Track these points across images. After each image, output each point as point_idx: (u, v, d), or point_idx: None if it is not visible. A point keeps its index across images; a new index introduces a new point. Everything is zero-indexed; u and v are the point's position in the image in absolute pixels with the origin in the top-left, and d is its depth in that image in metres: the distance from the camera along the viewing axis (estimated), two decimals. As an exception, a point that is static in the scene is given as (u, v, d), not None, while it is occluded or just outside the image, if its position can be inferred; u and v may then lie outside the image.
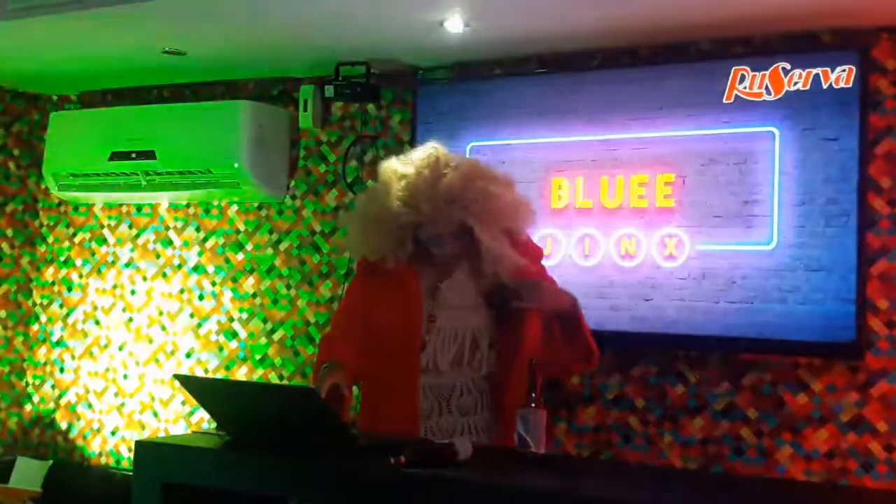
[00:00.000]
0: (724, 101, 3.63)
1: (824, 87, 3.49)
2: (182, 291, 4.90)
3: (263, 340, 4.67)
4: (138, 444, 2.52)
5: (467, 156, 3.89)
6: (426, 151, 2.79)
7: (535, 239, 2.96)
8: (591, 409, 3.93)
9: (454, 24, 3.72)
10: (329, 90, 4.30)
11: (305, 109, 4.52)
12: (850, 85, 3.44)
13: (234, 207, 4.78)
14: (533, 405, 2.41)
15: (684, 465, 3.73)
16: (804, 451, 3.57)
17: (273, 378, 4.62)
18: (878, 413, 3.46)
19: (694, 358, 3.76)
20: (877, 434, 3.46)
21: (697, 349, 3.71)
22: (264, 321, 4.68)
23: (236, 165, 4.42)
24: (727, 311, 3.60)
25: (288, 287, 4.63)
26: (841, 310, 3.43)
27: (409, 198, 2.71)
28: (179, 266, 4.92)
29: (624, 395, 3.88)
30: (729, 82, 3.63)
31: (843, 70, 3.45)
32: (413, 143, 4.15)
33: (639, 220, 3.75)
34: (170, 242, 4.95)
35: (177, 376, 2.73)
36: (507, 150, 3.96)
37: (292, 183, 4.64)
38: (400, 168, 2.78)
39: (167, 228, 4.96)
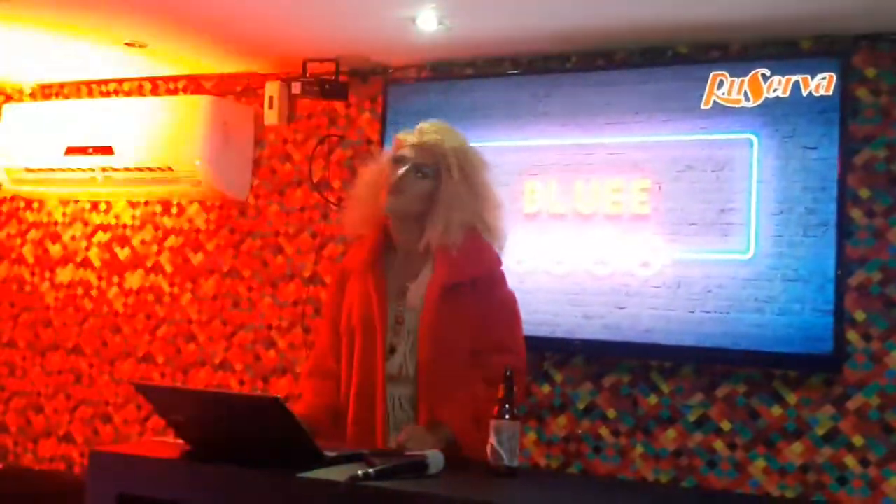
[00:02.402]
0: (703, 106, 3.56)
1: (804, 94, 3.43)
2: (138, 293, 4.74)
3: (223, 344, 4.53)
4: (93, 453, 2.43)
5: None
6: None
7: (507, 243, 2.82)
8: (562, 418, 3.84)
9: (427, 22, 3.62)
10: (296, 87, 4.19)
11: (271, 106, 4.39)
12: (831, 93, 3.38)
13: (195, 206, 4.64)
14: (507, 417, 2.35)
15: (656, 478, 3.66)
16: (778, 465, 3.51)
17: (233, 384, 4.49)
18: (854, 427, 3.41)
19: (667, 368, 3.68)
20: (852, 448, 3.41)
21: (671, 359, 3.64)
22: (224, 324, 4.54)
23: (197, 163, 4.29)
24: (703, 321, 3.53)
25: (249, 289, 4.50)
26: (818, 321, 3.37)
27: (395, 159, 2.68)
28: (136, 266, 4.76)
29: (595, 404, 3.80)
30: (707, 88, 3.56)
31: (824, 78, 3.39)
32: (382, 142, 4.05)
33: (613, 226, 3.67)
34: (126, 242, 4.79)
35: (136, 385, 2.61)
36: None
37: (256, 182, 4.51)
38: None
39: (124, 227, 4.80)
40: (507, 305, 2.73)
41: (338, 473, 2.12)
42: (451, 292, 2.62)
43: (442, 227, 2.63)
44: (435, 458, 2.24)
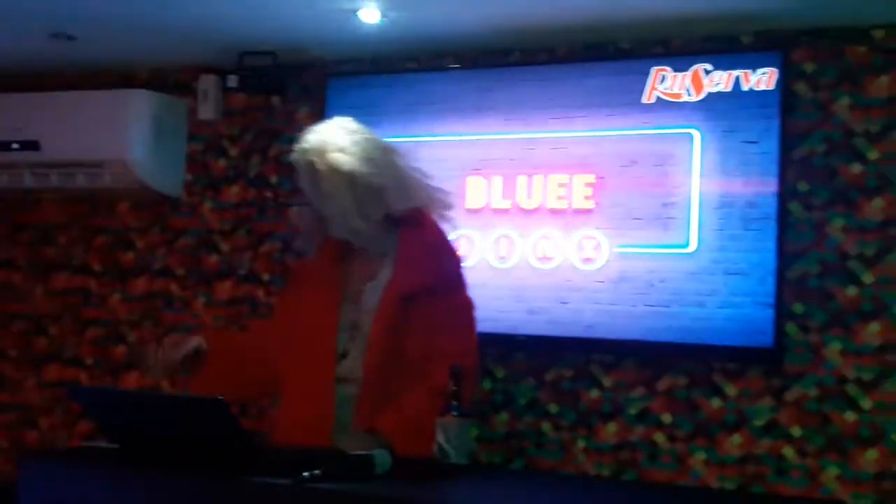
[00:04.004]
0: (645, 101, 3.58)
1: (745, 89, 3.47)
2: (66, 293, 4.59)
3: (155, 346, 4.39)
4: (22, 458, 2.35)
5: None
6: None
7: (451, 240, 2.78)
8: (504, 415, 3.82)
9: (369, 15, 3.58)
10: (231, 80, 4.10)
11: (205, 100, 4.29)
12: (772, 88, 3.43)
13: (126, 203, 4.51)
14: (455, 414, 2.32)
15: (598, 472, 3.66)
16: (718, 457, 3.54)
17: (165, 386, 4.36)
18: (793, 418, 3.45)
19: (609, 362, 3.69)
20: (791, 440, 3.45)
21: (614, 353, 3.65)
22: (156, 325, 4.42)
23: (128, 158, 4.17)
24: (645, 315, 3.54)
25: (183, 288, 4.39)
26: (759, 314, 3.40)
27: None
28: (64, 265, 4.61)
29: (537, 400, 3.79)
30: (649, 82, 3.58)
31: (765, 73, 3.43)
32: (321, 137, 3.99)
33: (557, 221, 3.67)
34: (53, 240, 4.64)
35: (69, 388, 2.52)
36: (422, 146, 3.78)
37: (189, 178, 4.40)
38: None
39: (52, 225, 4.65)
40: (463, 311, 2.69)
41: (283, 475, 2.07)
42: (406, 300, 2.58)
43: (336, 228, 2.60)
44: (382, 457, 2.20)
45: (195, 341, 2.63)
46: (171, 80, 4.44)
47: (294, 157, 2.61)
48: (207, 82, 4.28)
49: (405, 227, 2.64)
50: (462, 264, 2.74)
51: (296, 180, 2.65)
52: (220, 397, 2.18)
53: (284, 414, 2.69)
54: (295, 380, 2.64)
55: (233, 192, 4.33)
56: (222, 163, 4.36)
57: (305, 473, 2.02)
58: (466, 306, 2.70)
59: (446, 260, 2.69)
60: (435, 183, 2.70)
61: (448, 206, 2.72)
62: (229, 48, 4.04)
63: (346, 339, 2.61)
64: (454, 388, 2.34)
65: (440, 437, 2.30)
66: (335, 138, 2.59)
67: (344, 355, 2.61)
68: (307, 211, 2.68)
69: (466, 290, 2.71)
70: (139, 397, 2.76)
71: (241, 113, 4.33)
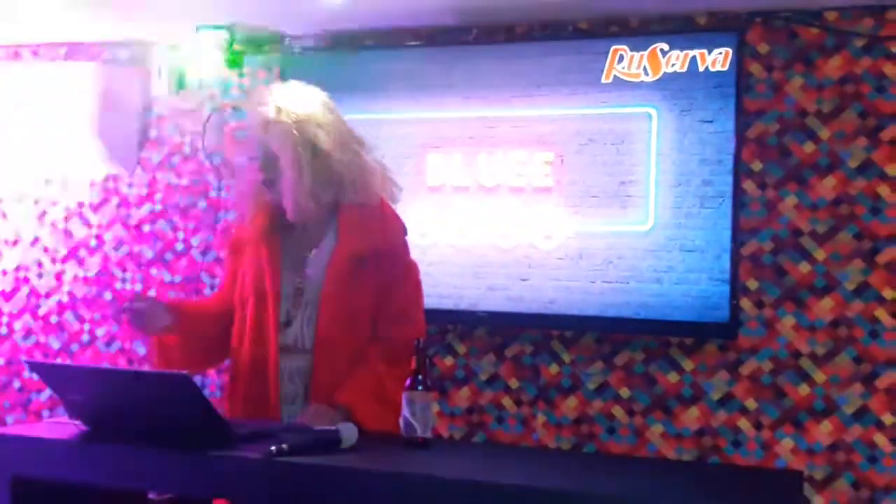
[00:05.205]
0: (603, 80, 3.62)
1: (701, 69, 3.52)
2: (18, 268, 4.53)
3: (112, 322, 4.37)
4: None
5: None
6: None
7: (406, 218, 2.71)
8: (465, 389, 3.86)
9: (329, -9, 3.55)
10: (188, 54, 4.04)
11: (160, 75, 4.23)
12: (727, 68, 3.48)
13: (79, 178, 4.44)
14: (420, 388, 2.33)
15: (558, 445, 3.73)
16: (675, 430, 3.62)
17: (122, 363, 4.34)
18: (748, 391, 3.54)
19: (569, 337, 3.75)
20: (746, 412, 3.54)
21: (573, 329, 3.70)
22: (112, 301, 4.38)
23: (82, 133, 4.11)
24: (603, 291, 3.60)
25: (139, 265, 4.35)
26: (715, 290, 3.48)
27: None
28: (16, 242, 4.54)
29: (498, 375, 3.84)
30: (607, 62, 3.61)
31: (720, 53, 3.48)
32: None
33: (516, 199, 3.70)
34: (4, 216, 4.57)
35: (30, 363, 2.49)
36: (381, 124, 3.81)
37: (144, 154, 4.35)
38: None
39: (1, 201, 4.57)
40: (409, 275, 2.65)
41: (251, 450, 2.07)
42: (355, 263, 2.57)
43: (292, 205, 2.52)
44: (348, 431, 2.21)
45: (166, 319, 2.56)
46: (125, 55, 4.35)
47: (261, 112, 2.50)
48: (163, 56, 4.22)
49: (348, 203, 2.59)
50: (406, 232, 2.68)
51: (242, 132, 2.56)
52: (186, 373, 2.17)
53: (233, 387, 2.64)
54: (238, 353, 2.60)
55: (188, 168, 4.28)
56: (177, 138, 4.30)
57: (272, 448, 2.03)
58: (414, 269, 2.67)
59: (391, 225, 2.63)
60: (390, 172, 2.65)
61: (395, 202, 2.67)
62: (184, 22, 3.98)
63: (288, 305, 2.55)
64: (419, 362, 2.36)
65: (406, 412, 2.31)
66: (317, 113, 2.53)
67: (288, 323, 2.55)
68: (248, 168, 2.59)
69: (410, 254, 2.67)
70: (103, 373, 2.68)
71: (196, 88, 4.26)
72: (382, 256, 2.58)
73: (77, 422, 2.32)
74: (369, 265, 2.55)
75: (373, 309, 2.56)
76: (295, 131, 2.48)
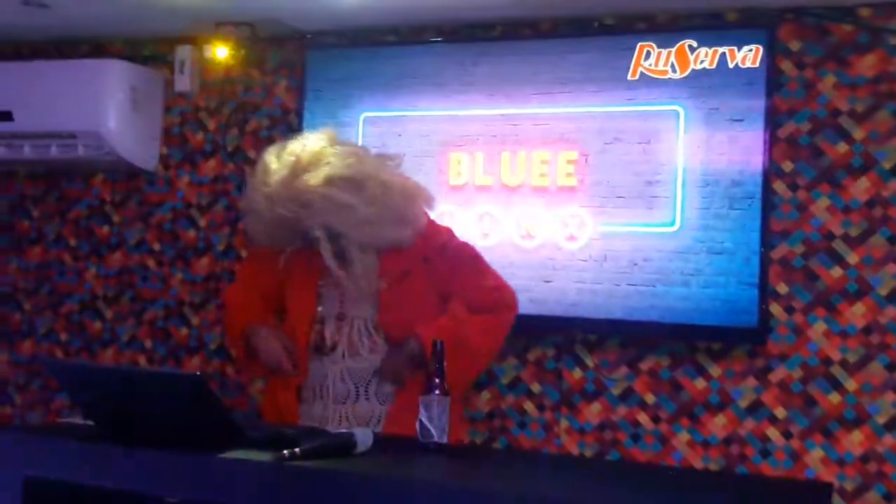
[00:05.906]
0: (629, 77, 3.53)
1: (730, 66, 3.42)
2: (40, 266, 4.51)
3: (131, 321, 4.34)
4: None
5: (359, 143, 3.63)
6: (300, 145, 2.78)
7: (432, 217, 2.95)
8: (486, 393, 3.79)
9: (350, -13, 3.50)
10: (209, 52, 4.01)
11: (182, 72, 4.20)
12: (757, 65, 3.38)
13: (101, 176, 4.42)
14: (436, 392, 2.31)
15: (581, 452, 3.64)
16: (702, 437, 3.52)
17: (142, 362, 4.31)
18: (777, 399, 3.44)
19: (592, 341, 3.66)
20: (775, 420, 3.44)
21: (597, 332, 3.62)
22: (132, 300, 4.35)
23: (103, 130, 4.08)
24: (629, 294, 3.51)
25: (160, 264, 4.32)
26: (743, 294, 3.38)
27: (268, 197, 2.72)
28: (38, 240, 4.53)
29: (519, 379, 3.76)
30: (634, 58, 3.53)
31: (750, 50, 3.39)
32: (300, 111, 3.93)
33: (540, 198, 3.62)
34: (27, 213, 4.55)
35: (45, 362, 2.47)
36: (403, 121, 3.77)
37: (165, 151, 4.32)
38: (270, 161, 2.78)
39: (24, 198, 4.56)
40: (468, 253, 2.94)
41: (263, 453, 2.05)
42: (404, 276, 2.77)
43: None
44: (363, 436, 2.20)
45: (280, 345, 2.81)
46: (146, 51, 4.34)
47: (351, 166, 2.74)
48: (184, 54, 4.19)
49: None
50: (449, 229, 2.99)
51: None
52: (200, 374, 2.15)
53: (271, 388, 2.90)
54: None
55: (210, 166, 4.25)
56: (199, 136, 4.28)
57: (286, 451, 2.01)
58: (470, 247, 2.97)
59: (432, 231, 2.88)
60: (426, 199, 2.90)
61: (431, 209, 2.97)
62: (206, 19, 3.95)
63: (333, 330, 2.78)
64: (436, 365, 2.34)
65: (423, 416, 2.29)
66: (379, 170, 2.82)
67: (332, 348, 2.76)
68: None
69: (458, 238, 2.97)
70: (117, 372, 2.71)
71: (218, 85, 4.24)
72: (431, 257, 2.83)
73: (90, 422, 2.31)
74: (419, 271, 2.80)
75: (446, 291, 2.82)
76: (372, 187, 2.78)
